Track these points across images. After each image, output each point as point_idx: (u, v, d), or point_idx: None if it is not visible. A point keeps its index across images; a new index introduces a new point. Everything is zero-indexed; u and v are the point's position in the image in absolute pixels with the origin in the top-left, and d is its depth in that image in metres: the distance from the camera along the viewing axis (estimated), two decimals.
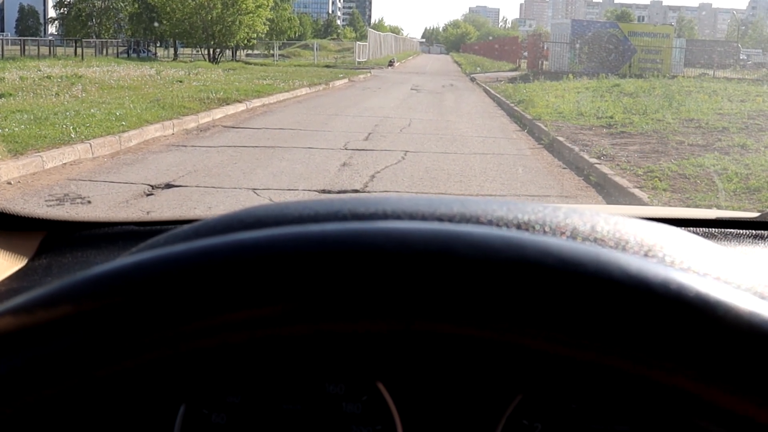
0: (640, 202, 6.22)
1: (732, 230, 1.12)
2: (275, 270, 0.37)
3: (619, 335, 0.35)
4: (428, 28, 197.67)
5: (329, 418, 0.89)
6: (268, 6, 40.66)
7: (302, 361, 0.41)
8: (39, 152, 7.30)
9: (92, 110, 10.48)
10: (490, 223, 0.44)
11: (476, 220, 0.45)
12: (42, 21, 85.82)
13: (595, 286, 0.36)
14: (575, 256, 0.38)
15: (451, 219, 0.45)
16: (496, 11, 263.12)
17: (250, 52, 49.97)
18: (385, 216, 0.45)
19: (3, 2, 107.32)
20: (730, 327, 0.35)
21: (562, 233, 0.43)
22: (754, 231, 1.12)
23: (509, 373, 0.40)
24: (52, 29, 68.13)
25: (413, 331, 0.38)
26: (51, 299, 0.38)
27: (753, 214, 1.19)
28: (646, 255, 0.41)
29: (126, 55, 41.08)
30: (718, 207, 6.08)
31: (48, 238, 1.07)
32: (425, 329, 0.38)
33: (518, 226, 0.44)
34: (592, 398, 0.69)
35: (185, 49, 43.35)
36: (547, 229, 0.43)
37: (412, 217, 0.45)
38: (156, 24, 39.15)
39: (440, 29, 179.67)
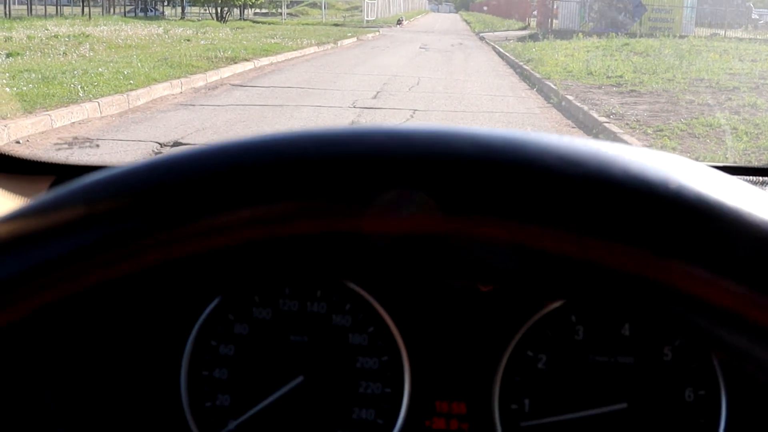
0: None
1: (740, 176, 1.12)
2: (283, 166, 0.37)
3: (619, 234, 0.35)
4: None
5: (336, 350, 0.90)
6: None
7: (311, 263, 0.40)
8: (47, 111, 7.30)
9: (100, 69, 10.44)
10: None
11: None
12: None
13: (594, 184, 0.36)
14: (576, 153, 0.38)
15: None
16: None
17: (257, 11, 49.53)
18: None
19: None
20: (733, 227, 0.35)
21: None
22: (761, 177, 1.12)
23: (516, 281, 0.40)
24: None
25: (414, 234, 0.38)
26: (62, 201, 0.38)
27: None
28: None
29: (133, 14, 40.71)
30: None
31: (56, 182, 1.07)
32: (429, 229, 0.37)
33: None
34: (591, 301, 0.69)
35: (193, 7, 42.91)
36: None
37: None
38: None
39: None
